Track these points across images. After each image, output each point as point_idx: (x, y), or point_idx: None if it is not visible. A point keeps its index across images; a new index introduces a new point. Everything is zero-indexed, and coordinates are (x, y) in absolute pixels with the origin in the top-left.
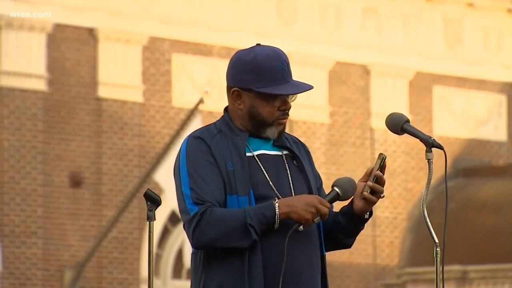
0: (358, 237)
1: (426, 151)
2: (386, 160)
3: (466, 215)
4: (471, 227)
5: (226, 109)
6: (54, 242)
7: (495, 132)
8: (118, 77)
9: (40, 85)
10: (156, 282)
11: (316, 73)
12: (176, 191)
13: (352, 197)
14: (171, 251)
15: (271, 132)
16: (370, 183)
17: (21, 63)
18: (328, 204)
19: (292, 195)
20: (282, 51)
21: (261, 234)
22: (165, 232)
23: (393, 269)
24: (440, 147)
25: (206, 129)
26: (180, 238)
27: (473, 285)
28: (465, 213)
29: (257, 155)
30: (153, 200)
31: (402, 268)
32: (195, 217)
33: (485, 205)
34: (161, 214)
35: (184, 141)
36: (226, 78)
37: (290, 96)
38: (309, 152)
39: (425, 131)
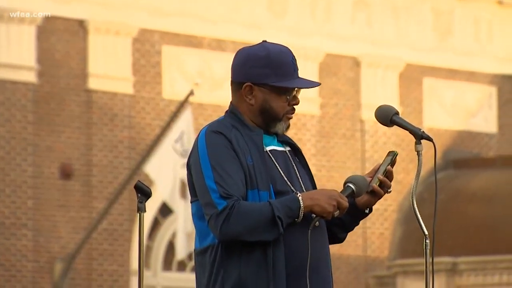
0: None
1: (416, 143)
2: (397, 157)
3: (456, 207)
4: (461, 219)
5: (230, 105)
6: (44, 233)
7: (485, 123)
8: (108, 69)
9: (30, 77)
10: (146, 274)
11: (307, 65)
12: (197, 185)
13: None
14: (162, 243)
15: (281, 127)
16: (381, 176)
17: (11, 55)
18: (346, 199)
19: (303, 190)
20: (289, 48)
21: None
22: (156, 224)
23: (383, 261)
24: (429, 139)
25: (220, 123)
26: (171, 230)
27: (463, 276)
28: (455, 204)
29: (269, 151)
30: (144, 192)
31: (392, 259)
32: (224, 211)
33: (475, 196)
34: (152, 206)
35: (200, 135)
36: (234, 74)
37: (298, 91)
38: (300, 148)
39: (415, 123)
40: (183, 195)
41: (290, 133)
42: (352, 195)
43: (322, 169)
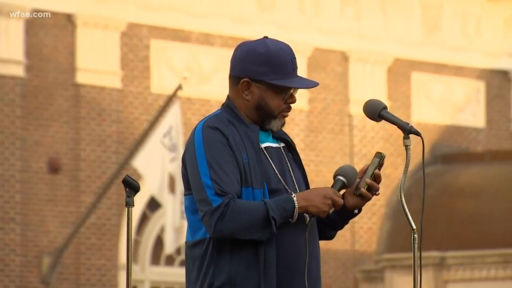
0: None
1: (404, 138)
2: (384, 159)
3: (444, 201)
4: (449, 214)
5: (227, 99)
6: (32, 228)
7: (473, 118)
8: (96, 63)
9: (18, 71)
10: (135, 268)
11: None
12: (192, 180)
13: (344, 192)
14: (150, 237)
15: (276, 125)
16: (368, 180)
17: None
18: (340, 195)
19: (296, 188)
20: (290, 46)
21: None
22: (144, 219)
23: (371, 255)
24: (417, 133)
25: (217, 118)
26: (159, 225)
27: (450, 271)
28: (443, 199)
29: (264, 148)
30: (132, 186)
31: (380, 254)
32: (219, 208)
33: (463, 191)
34: (140, 200)
35: (196, 130)
36: (233, 68)
37: (295, 90)
38: (294, 144)
39: (403, 117)
40: (171, 189)
41: None
42: (344, 187)
43: (311, 164)
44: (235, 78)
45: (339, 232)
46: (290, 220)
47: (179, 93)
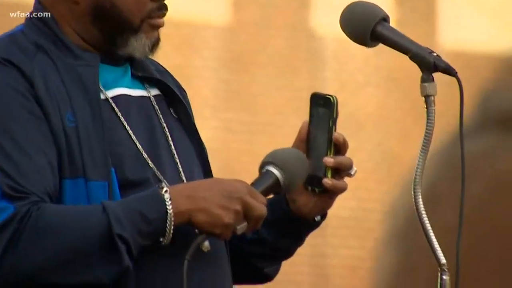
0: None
1: (422, 80)
2: (337, 105)
3: (502, 205)
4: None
5: (36, 3)
6: None
7: None
8: None
9: None
10: None
11: None
12: None
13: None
14: None
15: (139, 46)
16: (331, 160)
17: None
18: (264, 198)
19: (180, 178)
20: None
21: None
22: None
23: None
24: (449, 71)
25: (12, 42)
26: None
27: None
28: (500, 201)
29: (113, 98)
30: None
31: None
32: (8, 225)
33: None
34: None
35: None
36: None
37: None
38: (185, 92)
39: (424, 39)
40: None
41: (173, 59)
42: (276, 190)
43: (233, 128)
44: None
45: (293, 270)
46: (161, 241)
47: None
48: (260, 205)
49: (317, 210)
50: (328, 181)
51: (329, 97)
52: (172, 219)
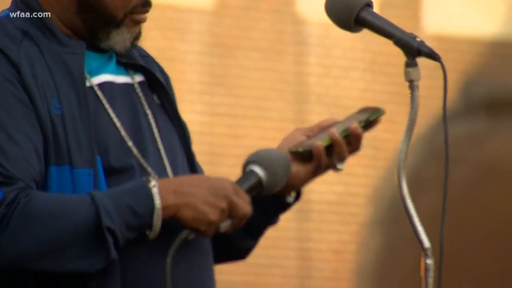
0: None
1: (406, 65)
2: (379, 117)
3: (487, 193)
4: (501, 216)
5: None
6: None
7: None
8: None
9: None
10: None
11: None
12: None
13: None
14: None
15: (121, 38)
16: (336, 133)
17: None
18: (248, 197)
19: (164, 167)
20: None
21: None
22: None
23: None
24: (432, 55)
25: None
26: None
27: None
28: (484, 187)
29: (98, 85)
30: None
31: None
32: None
33: None
34: None
35: None
36: None
37: None
38: (168, 77)
39: (409, 25)
40: None
41: (157, 42)
42: (259, 189)
43: (218, 112)
44: None
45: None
46: (147, 234)
47: None
48: (245, 204)
49: (292, 184)
50: (317, 143)
51: (380, 108)
52: (160, 213)
